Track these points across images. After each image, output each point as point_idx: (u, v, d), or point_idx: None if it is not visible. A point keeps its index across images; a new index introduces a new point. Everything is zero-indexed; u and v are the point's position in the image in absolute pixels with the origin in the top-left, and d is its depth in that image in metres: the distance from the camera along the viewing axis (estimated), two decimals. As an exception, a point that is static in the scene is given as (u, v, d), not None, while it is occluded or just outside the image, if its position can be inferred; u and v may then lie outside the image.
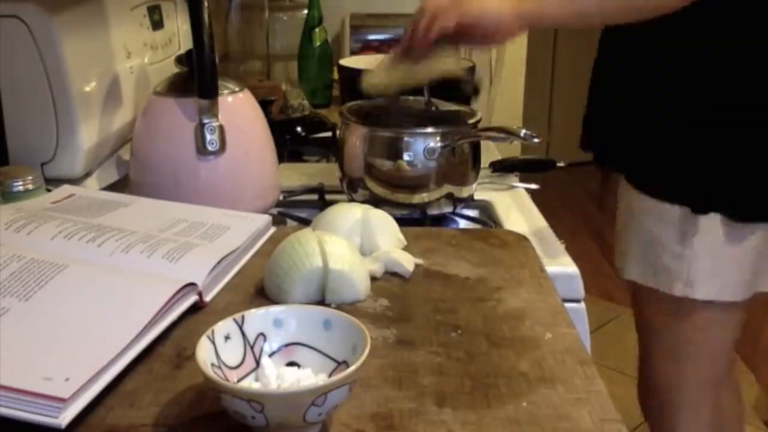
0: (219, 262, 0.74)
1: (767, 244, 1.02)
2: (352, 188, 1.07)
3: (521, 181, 1.25)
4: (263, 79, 1.76)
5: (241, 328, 0.57)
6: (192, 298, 0.69)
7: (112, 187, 1.05)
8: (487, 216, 1.13)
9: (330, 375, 0.55)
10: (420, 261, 0.81)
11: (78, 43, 0.97)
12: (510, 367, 0.61)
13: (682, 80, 0.99)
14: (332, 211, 0.83)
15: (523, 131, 0.97)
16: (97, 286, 0.66)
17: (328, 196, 1.13)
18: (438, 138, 1.00)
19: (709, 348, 1.12)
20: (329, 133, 1.40)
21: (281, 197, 1.09)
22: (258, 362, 0.56)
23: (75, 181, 0.98)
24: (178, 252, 0.73)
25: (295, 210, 1.09)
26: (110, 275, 0.68)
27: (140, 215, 0.84)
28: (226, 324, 0.56)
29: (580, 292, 0.92)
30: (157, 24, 1.22)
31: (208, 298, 0.72)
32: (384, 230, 0.83)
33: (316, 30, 1.76)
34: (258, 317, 0.58)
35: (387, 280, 0.77)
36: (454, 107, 1.14)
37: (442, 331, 0.67)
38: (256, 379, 0.55)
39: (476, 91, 1.54)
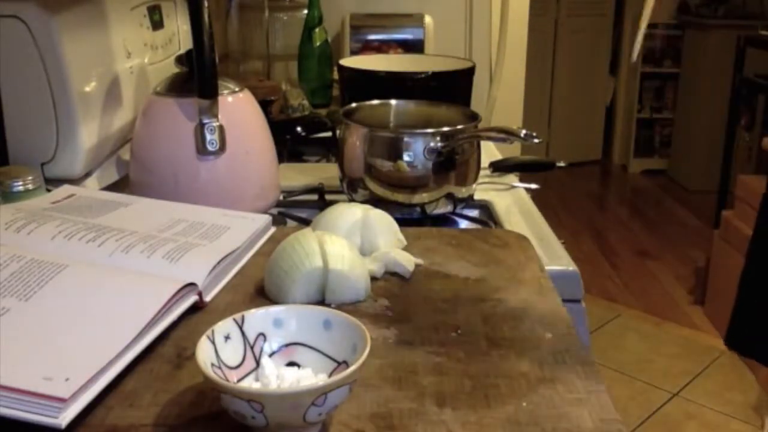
0: (219, 262, 0.74)
1: None
2: (352, 188, 1.07)
3: (521, 181, 1.25)
4: (263, 79, 1.76)
5: (241, 328, 0.57)
6: (192, 298, 0.69)
7: (112, 187, 1.05)
8: (487, 216, 1.13)
9: (330, 375, 0.55)
10: (420, 261, 0.81)
11: (78, 43, 0.97)
12: (510, 367, 0.61)
13: None
14: (332, 211, 0.83)
15: (523, 131, 0.97)
16: (97, 286, 0.66)
17: (328, 196, 1.13)
18: (438, 138, 1.00)
19: None
20: (329, 133, 1.40)
21: (281, 197, 1.09)
22: (258, 362, 0.56)
23: (75, 181, 0.98)
24: (178, 252, 0.73)
25: (295, 210, 1.09)
26: (110, 275, 0.68)
27: (140, 215, 0.84)
28: (226, 324, 0.56)
29: (580, 292, 0.92)
30: (157, 24, 1.22)
31: (208, 298, 0.72)
32: (384, 230, 0.83)
33: (316, 30, 1.76)
34: (258, 317, 0.58)
35: (387, 280, 0.77)
36: (453, 107, 1.14)
37: (442, 331, 0.67)
38: (256, 379, 0.55)
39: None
